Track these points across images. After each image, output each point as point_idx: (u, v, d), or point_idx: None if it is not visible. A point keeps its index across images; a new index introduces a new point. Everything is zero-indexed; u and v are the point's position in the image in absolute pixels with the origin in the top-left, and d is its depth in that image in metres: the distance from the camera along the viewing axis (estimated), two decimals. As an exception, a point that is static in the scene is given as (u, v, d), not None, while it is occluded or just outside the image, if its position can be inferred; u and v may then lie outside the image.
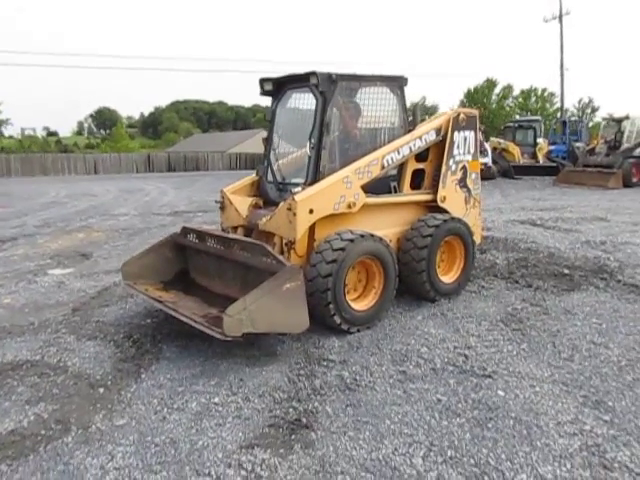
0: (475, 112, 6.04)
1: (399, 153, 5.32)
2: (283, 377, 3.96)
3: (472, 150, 5.97)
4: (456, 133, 5.77)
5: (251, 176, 5.78)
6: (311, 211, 4.66)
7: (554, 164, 22.10)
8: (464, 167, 5.91)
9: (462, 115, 5.79)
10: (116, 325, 5.11)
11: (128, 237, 9.89)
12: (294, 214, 4.60)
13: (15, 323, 5.22)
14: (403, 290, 5.59)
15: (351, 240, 4.61)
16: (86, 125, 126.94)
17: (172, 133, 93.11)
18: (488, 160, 21.50)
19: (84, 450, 3.09)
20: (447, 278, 5.68)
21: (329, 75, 4.87)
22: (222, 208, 5.60)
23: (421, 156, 5.73)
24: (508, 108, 52.76)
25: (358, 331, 4.77)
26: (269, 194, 5.48)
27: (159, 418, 3.42)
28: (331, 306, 4.54)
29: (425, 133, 5.56)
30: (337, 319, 4.60)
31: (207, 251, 5.18)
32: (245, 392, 3.74)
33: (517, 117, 41.32)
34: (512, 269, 6.79)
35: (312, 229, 4.83)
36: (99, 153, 47.59)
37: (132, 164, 40.92)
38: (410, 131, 5.57)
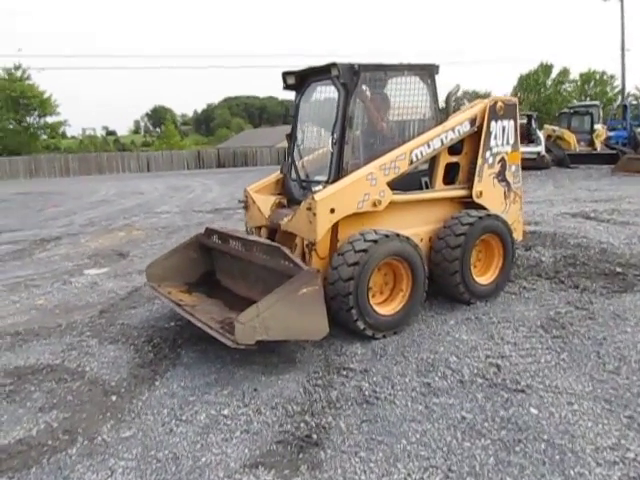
0: (514, 100, 5.60)
1: (429, 146, 4.99)
2: (299, 387, 3.76)
3: (512, 141, 5.54)
4: (493, 123, 5.36)
5: (276, 173, 5.60)
6: (332, 210, 4.42)
7: (613, 151, 20.78)
8: (502, 159, 5.49)
9: (500, 103, 5.37)
10: (140, 328, 5.07)
11: (167, 235, 9.96)
12: (314, 214, 4.37)
13: (44, 325, 5.27)
14: (436, 292, 5.28)
15: (374, 241, 4.34)
16: (142, 124, 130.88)
17: (224, 129, 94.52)
18: (541, 149, 20.52)
19: (86, 464, 3.00)
20: (484, 279, 5.31)
21: (351, 66, 4.60)
22: (246, 207, 5.45)
23: (455, 149, 5.37)
24: (565, 93, 50.31)
25: (384, 337, 4.51)
26: (293, 192, 5.28)
27: (166, 430, 3.30)
28: (353, 311, 4.29)
29: (458, 124, 5.19)
30: (360, 324, 4.36)
31: (230, 253, 5.05)
32: (257, 403, 3.56)
33: (575, 102, 39.28)
34: (558, 267, 6.30)
35: (335, 229, 4.59)
36: (152, 151, 48.84)
37: (183, 161, 41.84)
38: (443, 122, 5.22)
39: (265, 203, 5.23)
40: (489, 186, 5.42)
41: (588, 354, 4.02)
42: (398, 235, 4.49)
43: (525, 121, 21.99)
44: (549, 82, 49.59)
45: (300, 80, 5.20)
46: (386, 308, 4.60)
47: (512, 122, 5.52)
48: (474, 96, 49.72)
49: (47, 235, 10.43)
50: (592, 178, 17.12)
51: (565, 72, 49.98)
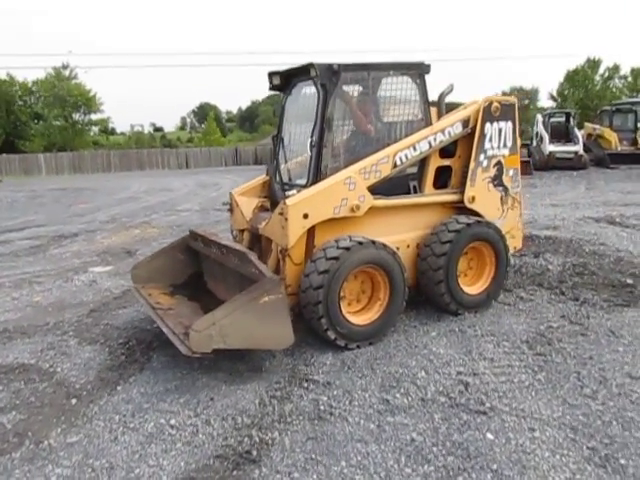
0: (512, 100, 5.31)
1: (415, 149, 4.78)
2: (256, 398, 3.66)
3: (509, 143, 5.26)
4: (488, 124, 5.09)
5: (263, 176, 5.51)
6: (306, 216, 4.29)
7: (658, 151, 19.72)
8: (499, 163, 5.22)
9: (495, 104, 5.10)
10: (122, 329, 5.08)
11: (179, 233, 9.98)
12: (286, 219, 4.25)
13: (33, 323, 5.36)
14: (425, 301, 5.08)
15: (347, 248, 4.18)
16: (188, 120, 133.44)
17: (267, 126, 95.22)
18: (579, 148, 19.68)
19: (24, 469, 3.00)
20: (474, 289, 5.06)
21: (329, 66, 4.45)
22: (230, 210, 5.38)
23: (447, 151, 5.14)
24: (615, 89, 48.16)
25: (358, 347, 4.35)
26: (276, 195, 5.17)
27: (111, 438, 3.26)
28: (323, 320, 4.16)
29: (449, 126, 4.95)
30: (331, 334, 4.22)
31: (210, 256, 5.00)
32: (209, 414, 3.48)
33: (624, 99, 37.53)
34: (564, 277, 5.96)
35: (311, 235, 4.46)
36: (192, 147, 49.65)
37: (221, 158, 42.42)
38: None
39: (248, 206, 5.15)
40: (483, 191, 5.16)
41: (568, 375, 3.75)
42: (374, 242, 4.32)
43: (563, 119, 21.16)
44: (597, 78, 47.59)
45: (285, 80, 5.08)
46: (362, 317, 4.44)
47: (510, 124, 5.23)
48: (522, 92, 48.40)
49: (67, 231, 10.71)
50: (630, 180, 16.27)
51: (615, 68, 47.87)
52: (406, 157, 4.74)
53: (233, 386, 3.85)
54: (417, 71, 4.91)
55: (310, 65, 4.45)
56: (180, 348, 3.72)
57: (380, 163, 4.61)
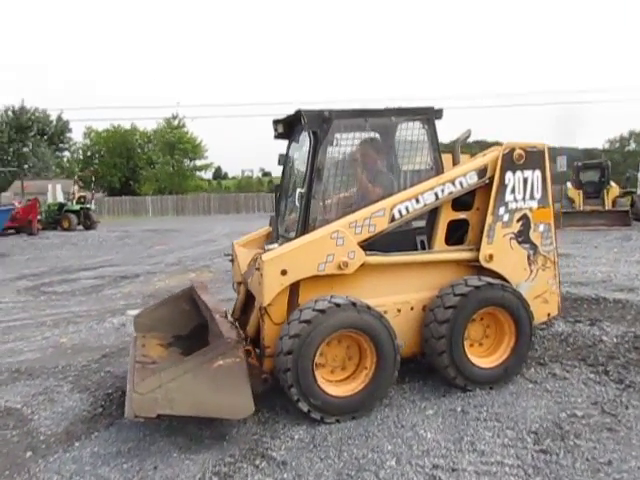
0: (540, 146, 4.67)
1: (419, 201, 4.32)
2: (199, 473, 3.32)
3: (538, 195, 4.61)
4: (509, 174, 4.51)
5: (267, 227, 5.30)
6: (284, 272, 3.97)
7: None
8: (524, 217, 4.58)
9: (518, 151, 4.51)
10: (120, 378, 5.00)
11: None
12: (261, 275, 3.97)
13: (45, 365, 5.47)
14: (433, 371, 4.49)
15: (322, 311, 3.79)
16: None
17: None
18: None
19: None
20: (489, 361, 4.39)
21: (319, 113, 4.20)
22: (232, 261, 5.20)
23: (464, 204, 4.61)
24: None
25: (338, 422, 3.88)
26: (276, 248, 4.91)
27: (34, 503, 3.09)
28: (293, 390, 3.76)
29: (461, 175, 4.45)
30: (303, 406, 3.80)
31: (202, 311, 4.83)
32: (143, 486, 3.20)
33: None
34: (617, 352, 5.03)
35: (296, 292, 4.13)
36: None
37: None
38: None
39: (246, 258, 4.93)
40: (504, 249, 4.53)
41: (569, 484, 3.01)
42: (354, 304, 3.88)
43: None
44: None
45: (289, 128, 4.89)
46: (344, 388, 3.97)
47: (538, 173, 4.60)
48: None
49: (131, 272, 11.20)
50: None
51: None
52: (407, 210, 4.29)
53: (185, 454, 3.55)
54: (425, 116, 4.50)
55: (298, 112, 4.23)
56: (126, 409, 3.51)
57: (375, 216, 4.20)
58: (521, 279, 4.59)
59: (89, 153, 52.26)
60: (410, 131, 4.50)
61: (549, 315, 4.78)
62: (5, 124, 46.20)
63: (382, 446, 3.53)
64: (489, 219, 4.49)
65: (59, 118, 49.60)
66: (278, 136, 4.97)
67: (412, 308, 4.39)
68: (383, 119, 4.46)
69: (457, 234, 4.69)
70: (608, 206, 18.00)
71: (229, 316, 4.57)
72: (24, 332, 6.78)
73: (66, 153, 52.83)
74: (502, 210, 4.52)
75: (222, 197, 44.25)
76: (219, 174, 73.95)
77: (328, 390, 3.87)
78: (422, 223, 4.57)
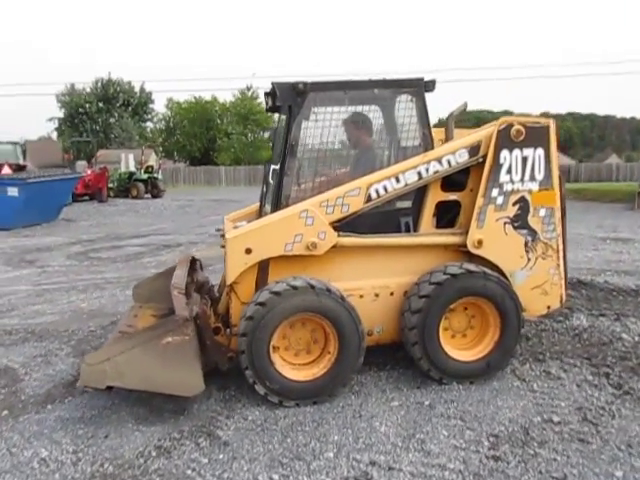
0: (544, 121, 4.18)
1: (399, 181, 4.04)
2: (141, 446, 3.37)
3: (540, 176, 4.16)
4: (505, 152, 4.09)
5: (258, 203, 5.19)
6: (248, 250, 3.88)
7: None
8: (522, 200, 4.16)
9: (517, 127, 4.07)
10: (116, 345, 5.19)
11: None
12: (225, 253, 3.91)
13: (57, 328, 5.79)
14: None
15: (277, 293, 3.67)
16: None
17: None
18: None
19: None
20: (470, 354, 4.09)
21: (293, 85, 3.99)
22: (223, 236, 5.16)
23: (457, 184, 4.27)
24: None
25: (297, 406, 3.79)
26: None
27: (-14, 460, 3.28)
28: (248, 372, 3.71)
29: (449, 153, 4.10)
30: (260, 389, 3.74)
31: None
32: (87, 453, 3.31)
33: None
34: (632, 354, 4.52)
35: (265, 272, 4.04)
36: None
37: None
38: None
39: (232, 233, 4.87)
40: (497, 234, 4.16)
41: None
42: (313, 287, 3.72)
43: None
44: None
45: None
46: (305, 372, 3.86)
47: (541, 151, 4.14)
48: None
49: (175, 241, 11.58)
50: None
51: None
52: (385, 190, 4.03)
53: (139, 426, 3.63)
54: (414, 89, 4.17)
55: (272, 85, 4.06)
56: (79, 379, 3.62)
57: (349, 196, 3.99)
58: (516, 267, 4.21)
59: (171, 124, 54.32)
60: (396, 105, 4.19)
61: (549, 308, 4.35)
62: (94, 96, 49.02)
63: (329, 435, 3.41)
64: (479, 201, 4.13)
65: (142, 89, 51.82)
66: (269, 109, 4.82)
67: (392, 293, 4.16)
68: (365, 92, 4.17)
69: (449, 216, 4.37)
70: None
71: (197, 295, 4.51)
72: (54, 295, 7.22)
73: (149, 124, 55.35)
74: (495, 192, 4.13)
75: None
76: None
77: (287, 374, 3.78)
78: (408, 204, 4.28)
